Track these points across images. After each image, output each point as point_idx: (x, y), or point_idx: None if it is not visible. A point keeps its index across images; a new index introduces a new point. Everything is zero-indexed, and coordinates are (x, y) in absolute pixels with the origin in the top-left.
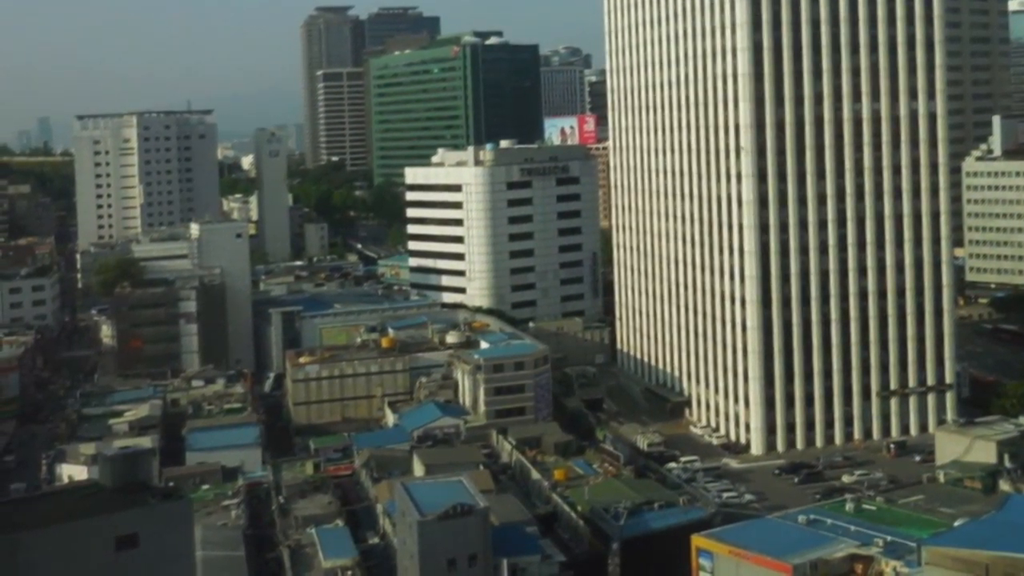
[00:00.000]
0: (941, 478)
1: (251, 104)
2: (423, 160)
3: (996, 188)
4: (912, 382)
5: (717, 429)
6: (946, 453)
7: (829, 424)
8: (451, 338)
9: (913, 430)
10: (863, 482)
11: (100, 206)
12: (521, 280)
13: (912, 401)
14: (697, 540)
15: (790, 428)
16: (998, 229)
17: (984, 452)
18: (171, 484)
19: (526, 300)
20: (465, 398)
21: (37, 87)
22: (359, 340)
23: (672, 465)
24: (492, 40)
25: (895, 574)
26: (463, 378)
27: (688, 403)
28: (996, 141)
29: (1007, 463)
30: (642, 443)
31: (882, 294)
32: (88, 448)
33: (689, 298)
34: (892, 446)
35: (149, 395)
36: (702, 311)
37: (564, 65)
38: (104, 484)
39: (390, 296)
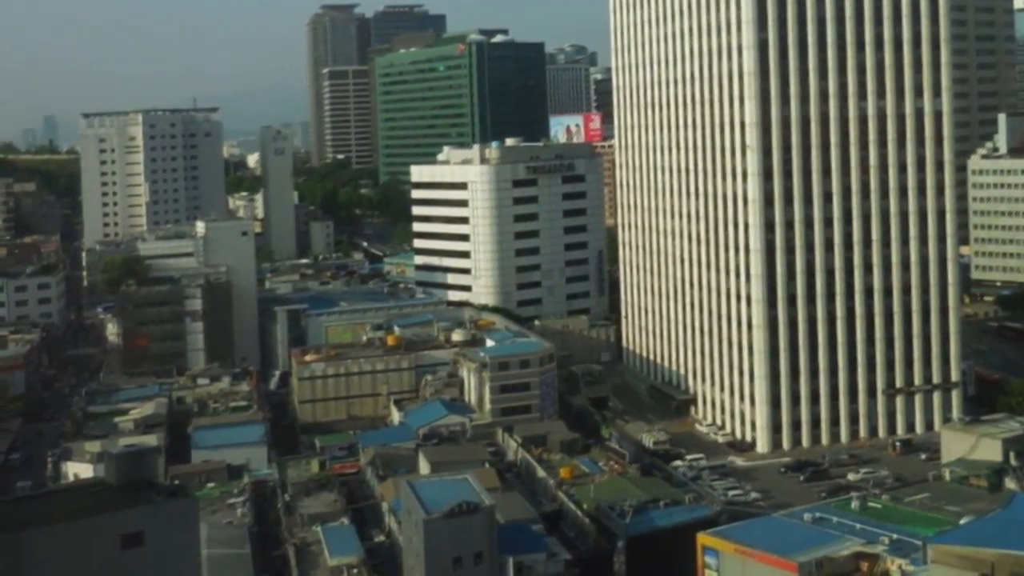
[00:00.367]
0: (947, 476)
1: (257, 102)
2: (429, 158)
3: (1001, 186)
4: (918, 380)
5: (723, 427)
6: (952, 451)
7: (835, 422)
8: (457, 336)
9: (919, 428)
10: (869, 480)
11: (106, 204)
12: (527, 278)
13: (918, 399)
14: (703, 538)
15: (796, 426)
16: (1003, 227)
17: (990, 450)
18: (177, 482)
19: (532, 298)
20: (471, 396)
21: (42, 85)
22: (365, 338)
23: (678, 463)
24: (498, 38)
25: (900, 572)
26: (469, 376)
27: (694, 401)
28: (1001, 139)
29: (1013, 461)
30: (648, 441)
31: (887, 292)
32: (93, 446)
33: (695, 296)
34: (898, 444)
35: (155, 393)
36: (708, 309)
37: (570, 63)
38: (109, 482)
39: (396, 294)
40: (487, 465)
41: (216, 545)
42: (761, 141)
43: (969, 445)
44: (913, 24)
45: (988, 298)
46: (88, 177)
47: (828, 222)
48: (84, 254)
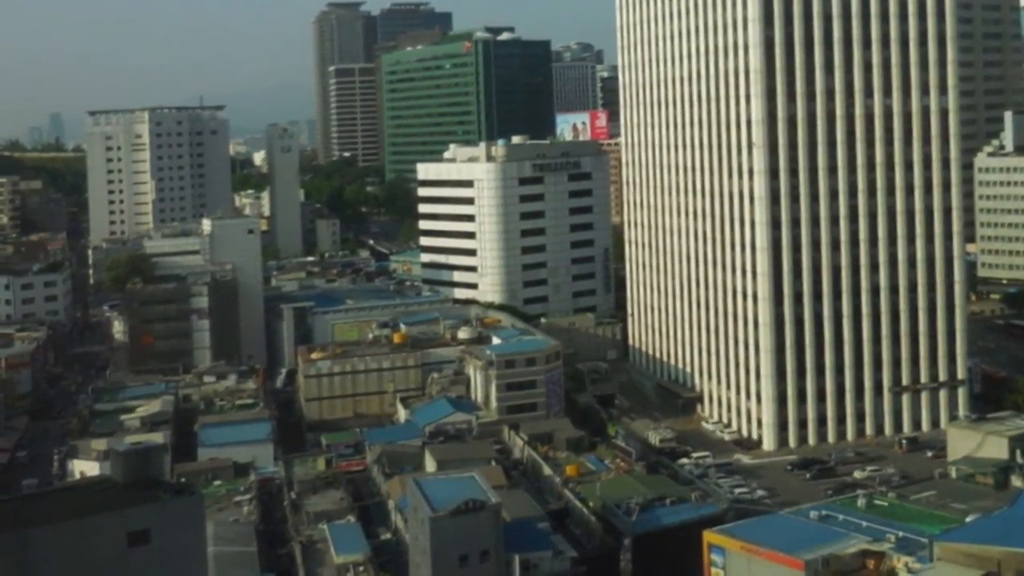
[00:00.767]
0: (953, 474)
1: (263, 100)
2: (435, 156)
3: (1008, 184)
4: (924, 378)
5: (729, 425)
6: (958, 449)
7: (841, 420)
8: (463, 334)
9: (925, 426)
10: (875, 478)
11: (112, 202)
12: (533, 276)
13: (924, 397)
14: (709, 536)
15: (802, 424)
16: (1010, 225)
17: (996, 448)
18: (183, 480)
19: (538, 296)
20: (477, 394)
21: (49, 83)
22: (371, 336)
23: (684, 461)
24: (504, 36)
25: (907, 570)
26: (475, 374)
27: (700, 399)
28: (1008, 137)
29: (1019, 459)
30: (654, 439)
31: (894, 290)
32: (100, 444)
33: (701, 294)
34: (904, 442)
35: (161, 391)
36: (714, 307)
37: (576, 61)
38: (116, 480)
39: (402, 292)
40: (493, 463)
41: (222, 543)
42: (767, 139)
43: (975, 443)
44: (919, 22)
45: (994, 296)
46: (94, 175)
47: (834, 220)
48: (90, 252)
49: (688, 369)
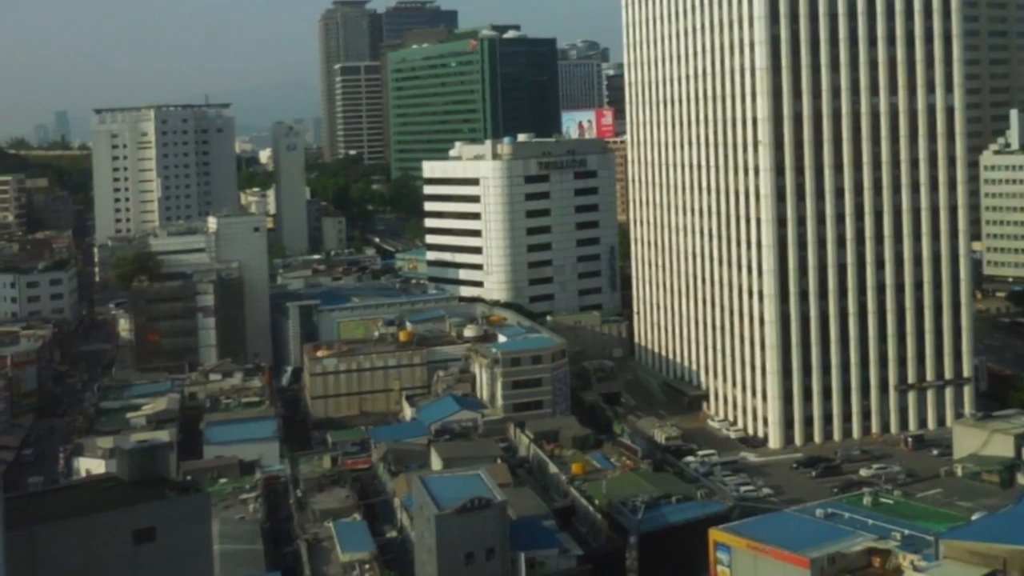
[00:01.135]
0: (959, 472)
1: (269, 98)
2: (441, 154)
3: (1013, 182)
4: (930, 376)
5: (735, 423)
6: (964, 447)
7: (847, 418)
8: (469, 332)
9: (931, 424)
10: (881, 476)
11: (118, 200)
12: (539, 274)
13: (930, 395)
14: (715, 534)
15: (808, 422)
16: (1016, 223)
17: (1002, 446)
18: (189, 478)
19: (544, 294)
20: (483, 392)
21: (54, 81)
22: (377, 334)
23: (690, 459)
24: (510, 34)
25: (912, 568)
26: (481, 372)
27: (706, 397)
28: (1014, 135)
29: None
30: (660, 437)
31: (900, 288)
32: (106, 442)
33: (707, 292)
34: (910, 440)
35: (167, 389)
36: (720, 305)
37: (582, 59)
38: (122, 478)
39: (408, 290)
40: (499, 461)
41: (228, 541)
42: (773, 137)
43: (981, 441)
44: (925, 19)
45: (1000, 294)
46: (100, 173)
47: (840, 218)
48: (96, 250)
49: (694, 367)
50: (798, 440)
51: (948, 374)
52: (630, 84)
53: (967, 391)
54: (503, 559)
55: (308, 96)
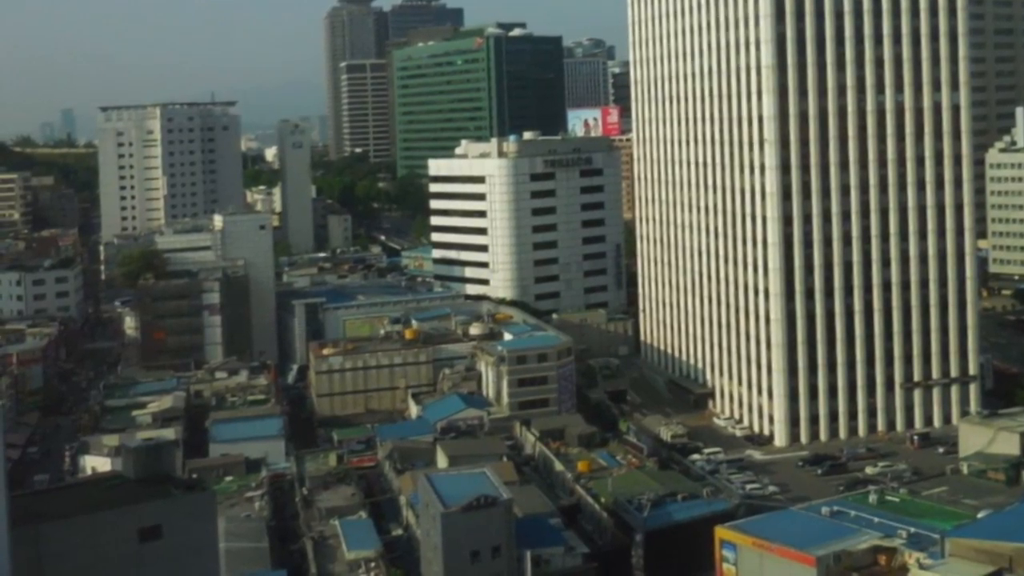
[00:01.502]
0: (965, 469)
1: (274, 96)
2: (446, 152)
3: (1019, 180)
4: (936, 374)
5: (740, 421)
6: (969, 444)
7: (852, 416)
8: (474, 330)
9: (936, 422)
10: (886, 474)
11: (123, 198)
12: (544, 272)
13: (935, 392)
14: (720, 532)
15: (813, 420)
16: (1021, 221)
17: (1008, 443)
18: (194, 476)
19: (549, 292)
20: (488, 390)
21: (60, 78)
22: (382, 332)
23: (695, 457)
24: (515, 32)
25: (918, 565)
26: (486, 370)
27: (711, 395)
28: (1019, 132)
29: None
30: (665, 435)
31: (905, 285)
32: (111, 440)
33: (712, 290)
34: (915, 438)
35: (172, 387)
36: (725, 302)
37: (587, 56)
38: (127, 476)
39: (413, 288)
40: (505, 459)
41: (234, 539)
42: (779, 135)
43: (987, 439)
44: (931, 18)
45: (1006, 292)
46: (106, 171)
47: (846, 216)
48: (102, 248)
49: (700, 365)
50: (804, 438)
51: (954, 372)
52: (636, 82)
53: (973, 389)
54: (509, 557)
55: (314, 94)
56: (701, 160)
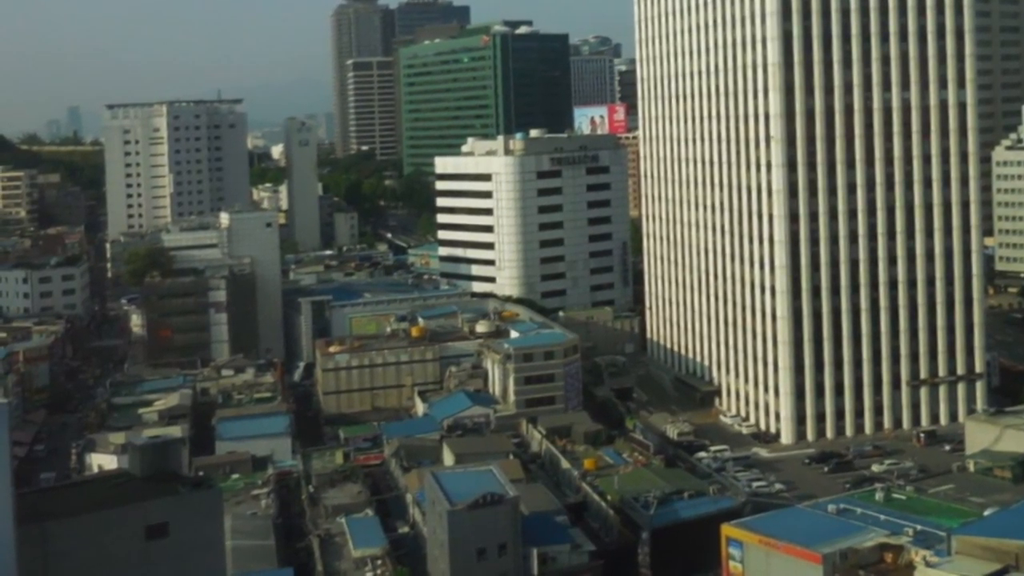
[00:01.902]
0: (971, 467)
1: (281, 93)
2: (453, 149)
3: None
4: (942, 371)
5: (747, 418)
6: (976, 442)
7: (859, 413)
8: (481, 327)
9: (943, 419)
10: (893, 471)
11: (130, 195)
12: (551, 269)
13: (942, 390)
14: (727, 529)
15: (820, 417)
16: None
17: (1014, 441)
18: (201, 473)
19: (556, 289)
20: (495, 387)
21: (67, 76)
22: (389, 329)
23: (702, 454)
24: (522, 29)
25: (925, 563)
26: (493, 367)
27: (718, 392)
28: None
29: None
30: (672, 432)
31: (912, 283)
32: (118, 437)
33: (719, 287)
34: (922, 435)
35: (179, 384)
36: (732, 300)
37: (594, 54)
38: (134, 473)
39: (420, 285)
40: (511, 456)
41: (240, 536)
42: (785, 132)
43: (993, 436)
44: (937, 15)
45: (1012, 289)
46: (112, 168)
47: (852, 213)
48: (108, 245)
49: (706, 363)
50: (810, 436)
51: (960, 370)
52: (642, 80)
53: (979, 387)
54: (515, 555)
55: (320, 92)
56: (707, 158)
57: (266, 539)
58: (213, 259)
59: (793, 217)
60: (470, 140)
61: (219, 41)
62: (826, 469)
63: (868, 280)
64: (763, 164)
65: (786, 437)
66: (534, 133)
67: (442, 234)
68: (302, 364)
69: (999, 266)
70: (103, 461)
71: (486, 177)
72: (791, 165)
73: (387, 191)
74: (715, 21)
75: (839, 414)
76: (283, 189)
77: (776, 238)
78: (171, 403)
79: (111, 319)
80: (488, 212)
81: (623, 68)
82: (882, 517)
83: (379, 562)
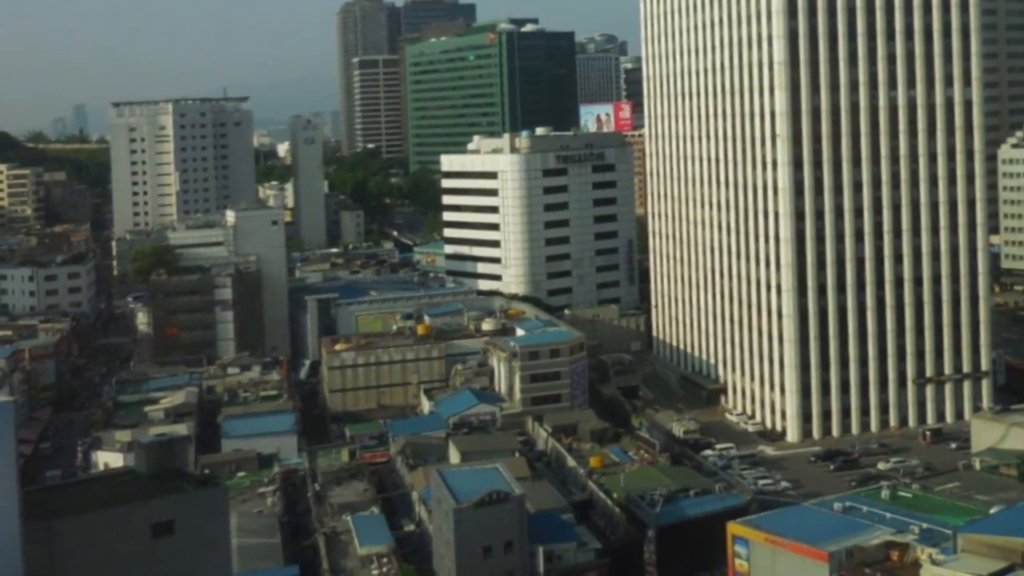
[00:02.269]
0: (977, 465)
1: (287, 91)
2: (459, 147)
3: None
4: (948, 369)
5: (753, 416)
6: (982, 440)
7: (865, 411)
8: (487, 325)
9: (949, 417)
10: (899, 469)
11: (136, 193)
12: (557, 267)
13: (948, 388)
14: (733, 527)
15: (826, 415)
16: None
17: (1020, 439)
18: (207, 471)
19: (562, 287)
20: (501, 385)
21: (72, 74)
22: (395, 327)
23: (708, 452)
24: (528, 27)
25: (931, 561)
26: (499, 365)
27: (724, 390)
28: None
29: None
30: (678, 430)
31: (918, 281)
32: (124, 435)
33: (725, 285)
34: (928, 433)
35: (185, 382)
36: (738, 298)
37: (600, 52)
38: (140, 471)
39: (426, 283)
40: (517, 454)
41: (246, 534)
42: (791, 130)
43: (999, 434)
44: (943, 13)
45: (1018, 287)
46: (118, 166)
47: (858, 211)
48: (114, 243)
49: (712, 360)
50: (816, 434)
51: (966, 368)
52: (648, 78)
53: (985, 385)
54: (521, 552)
55: (326, 90)
56: (713, 156)
57: (272, 537)
58: (219, 257)
59: (799, 215)
60: (476, 138)
61: (225, 39)
62: (832, 467)
63: (874, 278)
64: (769, 162)
65: (792, 435)
66: (540, 131)
67: (448, 232)
68: (308, 362)
69: (1005, 264)
70: (109, 459)
71: (492, 175)
72: (797, 163)
73: (393, 189)
74: (721, 19)
75: (845, 412)
76: (289, 187)
77: (782, 236)
78: (177, 401)
79: (117, 317)
80: (494, 210)
81: (629, 66)
82: (888, 515)
83: (385, 560)
